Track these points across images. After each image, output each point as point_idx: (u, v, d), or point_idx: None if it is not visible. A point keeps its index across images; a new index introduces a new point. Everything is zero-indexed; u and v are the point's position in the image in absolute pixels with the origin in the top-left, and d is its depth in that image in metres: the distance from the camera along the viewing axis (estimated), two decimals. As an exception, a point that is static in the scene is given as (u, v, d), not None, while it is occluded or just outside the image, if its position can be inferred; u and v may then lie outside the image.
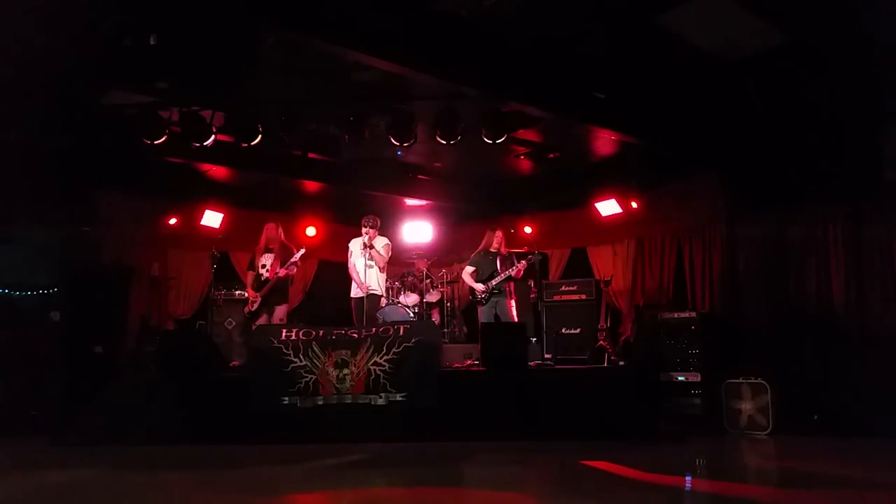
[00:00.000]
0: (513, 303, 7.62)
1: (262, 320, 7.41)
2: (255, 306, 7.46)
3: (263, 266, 7.53)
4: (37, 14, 5.11)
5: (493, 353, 6.45)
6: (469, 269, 7.84)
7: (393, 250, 7.95)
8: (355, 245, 7.50)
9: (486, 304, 7.61)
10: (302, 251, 7.52)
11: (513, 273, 7.49)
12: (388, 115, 6.56)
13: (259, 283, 7.51)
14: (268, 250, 7.61)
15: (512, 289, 7.66)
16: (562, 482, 4.66)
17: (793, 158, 7.12)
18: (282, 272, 7.42)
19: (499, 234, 7.82)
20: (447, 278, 9.54)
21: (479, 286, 7.64)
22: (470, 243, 8.33)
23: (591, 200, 8.85)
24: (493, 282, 7.56)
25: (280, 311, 7.55)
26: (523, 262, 7.51)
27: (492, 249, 7.74)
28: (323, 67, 6.17)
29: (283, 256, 7.50)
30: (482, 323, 7.38)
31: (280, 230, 7.73)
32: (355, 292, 7.40)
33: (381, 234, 7.70)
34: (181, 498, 4.26)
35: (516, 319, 7.56)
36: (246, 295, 7.72)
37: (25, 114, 6.28)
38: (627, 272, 8.94)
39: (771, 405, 6.51)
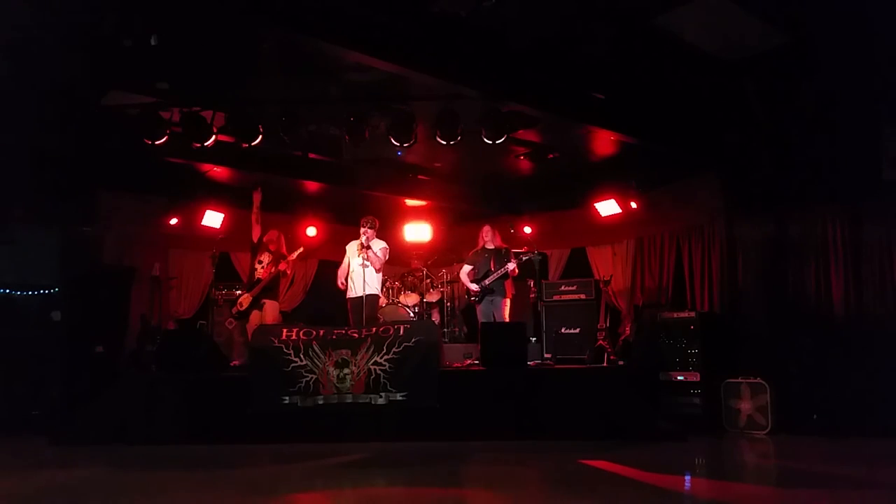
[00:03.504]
0: (507, 302, 7.58)
1: (255, 318, 7.41)
2: (244, 306, 7.46)
3: (259, 262, 7.56)
4: (38, 14, 5.12)
5: (492, 353, 6.45)
6: (466, 268, 7.83)
7: (393, 250, 7.94)
8: (351, 246, 7.49)
9: (480, 303, 7.62)
10: (300, 250, 7.56)
11: (508, 270, 7.44)
12: (388, 115, 6.57)
13: (251, 283, 7.54)
14: (267, 250, 7.63)
15: (508, 287, 7.60)
16: (561, 482, 4.66)
17: (793, 158, 7.13)
18: (282, 265, 7.46)
19: (485, 228, 7.81)
20: (447, 278, 9.54)
21: (473, 286, 7.64)
22: (470, 243, 8.34)
23: (590, 200, 8.86)
24: (486, 281, 7.56)
25: (272, 309, 7.54)
26: (513, 263, 7.45)
27: (487, 246, 7.73)
28: (323, 68, 6.18)
29: (277, 261, 7.55)
30: (482, 323, 7.37)
31: (281, 238, 7.76)
32: (351, 292, 7.39)
33: (381, 234, 7.69)
34: (181, 498, 4.26)
35: (507, 319, 7.54)
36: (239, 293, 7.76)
37: (26, 114, 6.29)
38: (627, 272, 8.97)
39: (770, 405, 6.51)
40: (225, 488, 4.48)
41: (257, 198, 7.75)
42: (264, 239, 7.67)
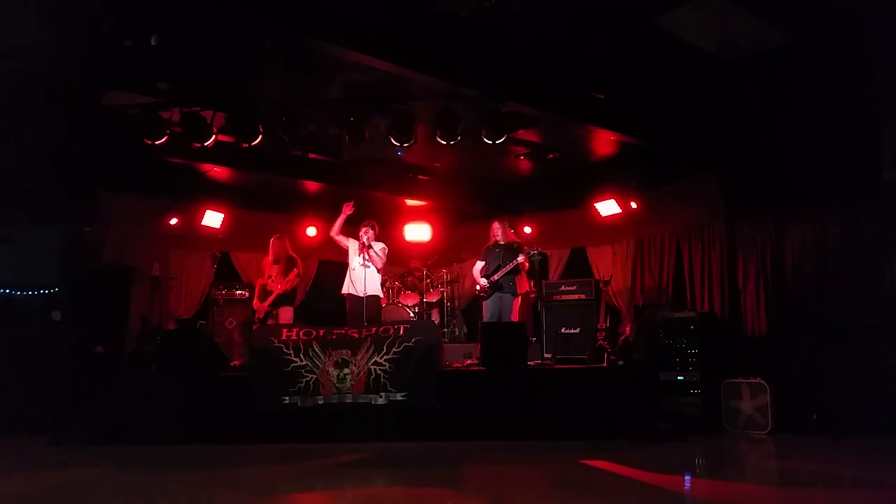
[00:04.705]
0: (518, 301, 7.57)
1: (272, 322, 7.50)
2: (262, 314, 7.58)
3: (270, 277, 7.66)
4: (38, 14, 5.12)
5: (492, 353, 6.45)
6: (479, 264, 7.83)
7: (393, 250, 7.94)
8: (352, 245, 7.49)
9: (488, 299, 7.60)
10: (296, 271, 7.65)
11: (518, 262, 7.43)
12: (388, 115, 6.57)
13: (264, 294, 7.64)
14: (276, 262, 7.72)
15: (519, 283, 7.57)
16: (561, 482, 4.67)
17: (793, 158, 7.12)
18: (285, 285, 7.56)
19: (495, 223, 7.82)
20: (447, 278, 9.54)
21: (483, 281, 7.64)
22: (470, 243, 8.35)
23: (590, 200, 8.86)
24: (496, 276, 7.55)
25: (286, 314, 7.62)
26: (522, 255, 7.47)
27: (498, 242, 7.74)
28: (323, 68, 6.18)
29: (288, 268, 7.62)
30: (482, 322, 7.35)
31: (286, 242, 7.80)
32: (351, 290, 7.38)
33: (382, 234, 7.71)
34: (181, 497, 4.26)
35: (517, 318, 7.54)
36: (249, 298, 7.80)
37: (27, 114, 6.29)
38: (627, 272, 8.97)
39: (770, 405, 6.51)
40: (225, 488, 4.48)
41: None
42: (271, 256, 7.73)
